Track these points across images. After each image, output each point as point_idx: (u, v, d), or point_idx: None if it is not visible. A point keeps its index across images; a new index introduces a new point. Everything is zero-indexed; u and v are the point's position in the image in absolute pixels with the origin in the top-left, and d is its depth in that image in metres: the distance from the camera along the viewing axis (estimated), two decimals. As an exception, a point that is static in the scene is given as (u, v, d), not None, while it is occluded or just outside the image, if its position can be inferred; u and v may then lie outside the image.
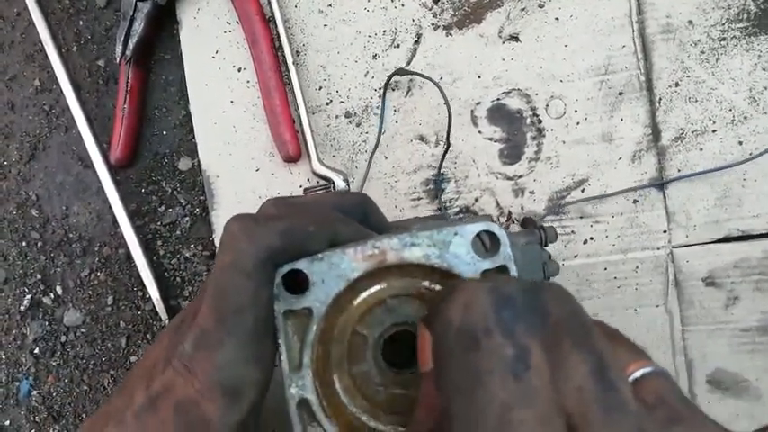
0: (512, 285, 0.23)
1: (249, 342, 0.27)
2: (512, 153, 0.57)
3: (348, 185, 0.57)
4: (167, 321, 0.63)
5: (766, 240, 0.55)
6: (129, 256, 0.63)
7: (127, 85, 0.61)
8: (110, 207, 0.62)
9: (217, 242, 0.61)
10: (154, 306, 0.63)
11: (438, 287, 0.27)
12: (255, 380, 0.28)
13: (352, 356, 0.28)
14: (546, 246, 0.46)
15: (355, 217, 0.32)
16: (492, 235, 0.27)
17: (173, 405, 0.28)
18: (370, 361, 0.28)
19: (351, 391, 0.27)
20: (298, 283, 0.27)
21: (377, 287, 0.27)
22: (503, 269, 0.27)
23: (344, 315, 0.28)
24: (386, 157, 0.59)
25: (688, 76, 0.55)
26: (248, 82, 0.60)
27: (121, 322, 0.65)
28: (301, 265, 0.27)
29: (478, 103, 0.57)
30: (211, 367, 0.28)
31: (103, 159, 0.62)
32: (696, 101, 0.55)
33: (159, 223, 0.64)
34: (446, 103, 0.52)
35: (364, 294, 0.27)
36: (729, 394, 0.56)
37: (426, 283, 0.27)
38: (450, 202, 0.58)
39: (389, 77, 0.56)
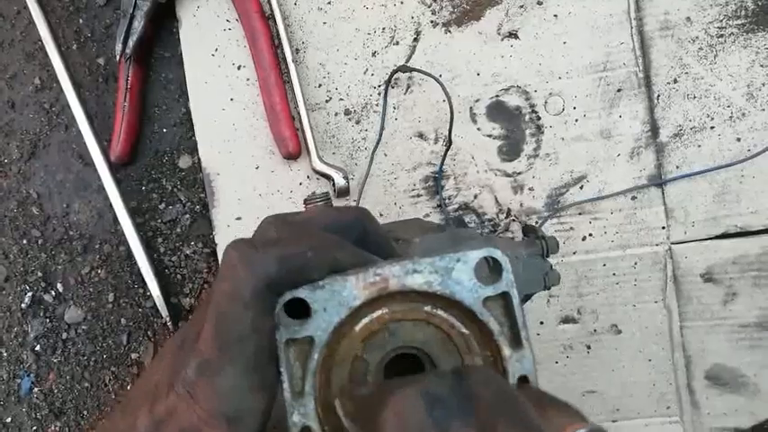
0: (439, 384, 0.23)
1: (251, 370, 0.28)
2: (511, 150, 0.58)
3: (348, 182, 0.57)
4: (168, 319, 0.63)
5: (764, 236, 0.55)
6: (129, 254, 0.63)
7: (127, 83, 0.61)
8: (110, 205, 0.63)
9: (217, 239, 0.62)
10: (154, 303, 0.63)
11: (440, 312, 0.27)
12: (257, 408, 0.28)
13: (354, 381, 0.28)
14: (548, 256, 0.46)
15: (354, 234, 0.31)
16: (495, 260, 0.27)
17: (177, 430, 0.28)
18: (371, 385, 0.28)
19: (353, 416, 0.28)
20: (300, 309, 0.27)
21: (378, 312, 0.27)
22: (505, 296, 0.27)
23: (346, 341, 0.28)
24: (385, 155, 0.59)
25: (686, 73, 0.55)
26: (248, 79, 0.60)
27: (122, 319, 0.65)
28: (302, 293, 0.27)
29: (477, 101, 0.58)
30: (213, 395, 0.28)
31: (104, 157, 0.62)
32: (694, 97, 0.55)
33: (160, 221, 0.64)
34: (448, 100, 0.52)
35: (366, 320, 0.28)
36: (728, 390, 0.57)
37: (428, 308, 0.27)
38: (449, 198, 0.58)
39: (392, 74, 0.56)
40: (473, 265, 0.27)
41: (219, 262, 0.61)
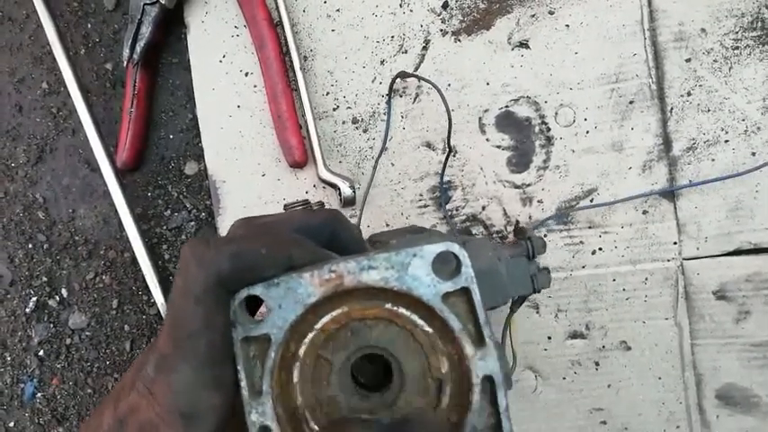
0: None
1: (205, 367, 0.27)
2: (520, 161, 0.57)
3: (354, 192, 0.56)
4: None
5: (779, 254, 0.54)
6: (134, 260, 0.63)
7: (134, 89, 0.61)
8: (116, 210, 0.62)
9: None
10: (158, 310, 0.63)
11: (402, 309, 0.27)
12: (214, 404, 0.28)
13: (316, 381, 0.27)
14: (533, 257, 0.45)
15: (322, 236, 0.31)
16: (454, 255, 0.26)
17: (137, 427, 0.28)
18: (335, 385, 0.27)
19: (316, 415, 0.27)
20: (257, 308, 0.27)
21: (338, 311, 0.27)
22: (466, 291, 0.26)
23: (307, 339, 0.27)
24: (392, 164, 0.58)
25: (700, 86, 0.54)
26: (255, 86, 0.60)
27: (126, 326, 0.64)
28: (257, 290, 0.26)
29: (486, 111, 0.57)
30: (169, 391, 0.27)
31: (110, 162, 0.62)
32: (708, 110, 0.54)
33: (165, 227, 0.64)
34: (446, 107, 0.51)
35: (326, 318, 0.27)
36: (739, 410, 0.55)
37: (389, 306, 0.27)
38: (456, 209, 0.58)
39: (393, 80, 0.56)
40: (430, 259, 0.26)
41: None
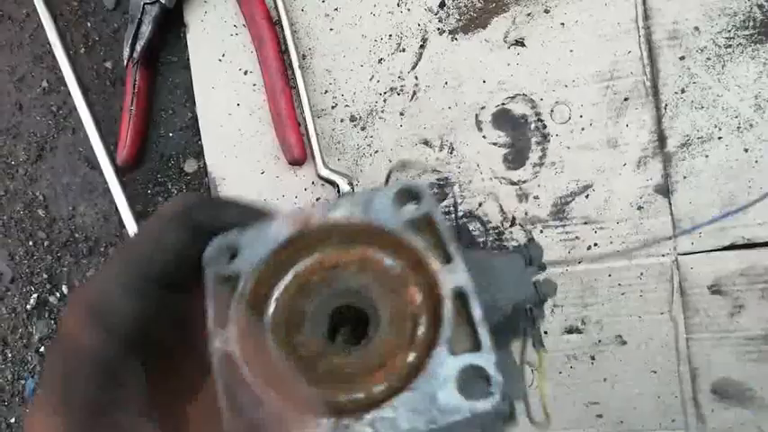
0: None
1: (133, 276, 0.27)
2: (516, 158, 0.57)
3: (352, 188, 0.57)
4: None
5: (772, 248, 0.54)
6: (134, 257, 0.63)
7: (134, 87, 0.61)
8: (116, 208, 0.63)
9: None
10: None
11: (371, 250, 0.27)
12: (127, 311, 0.27)
13: (290, 327, 0.27)
14: (530, 264, 0.44)
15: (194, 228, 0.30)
16: (414, 191, 0.26)
17: (58, 341, 0.27)
18: (308, 333, 0.27)
19: (286, 357, 0.27)
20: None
21: (311, 257, 0.27)
22: (428, 218, 0.26)
23: (280, 284, 0.27)
24: (390, 161, 0.59)
25: (694, 83, 0.54)
26: (254, 85, 0.60)
27: (126, 322, 0.65)
28: (231, 235, 0.27)
29: (483, 108, 0.57)
30: (88, 287, 0.27)
31: (110, 160, 0.63)
32: (702, 107, 0.54)
33: (164, 224, 0.64)
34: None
35: (300, 266, 0.27)
36: (734, 403, 0.56)
37: (359, 248, 0.27)
38: (455, 205, 0.58)
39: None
40: (392, 195, 0.26)
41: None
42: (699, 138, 0.55)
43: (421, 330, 0.26)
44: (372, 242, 0.27)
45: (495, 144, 0.57)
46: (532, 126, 0.57)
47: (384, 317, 0.27)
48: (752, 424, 0.56)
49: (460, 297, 0.25)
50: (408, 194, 0.27)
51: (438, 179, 0.58)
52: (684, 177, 0.55)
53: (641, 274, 0.56)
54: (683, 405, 0.57)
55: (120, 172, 0.63)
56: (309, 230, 0.27)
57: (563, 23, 0.56)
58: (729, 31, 0.54)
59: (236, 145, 0.61)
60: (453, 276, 0.25)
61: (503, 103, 0.57)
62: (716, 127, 0.54)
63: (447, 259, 0.26)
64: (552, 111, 0.57)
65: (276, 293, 0.27)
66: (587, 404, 0.58)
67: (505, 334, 0.40)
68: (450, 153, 0.58)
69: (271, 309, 0.27)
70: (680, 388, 0.57)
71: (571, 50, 0.56)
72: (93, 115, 0.62)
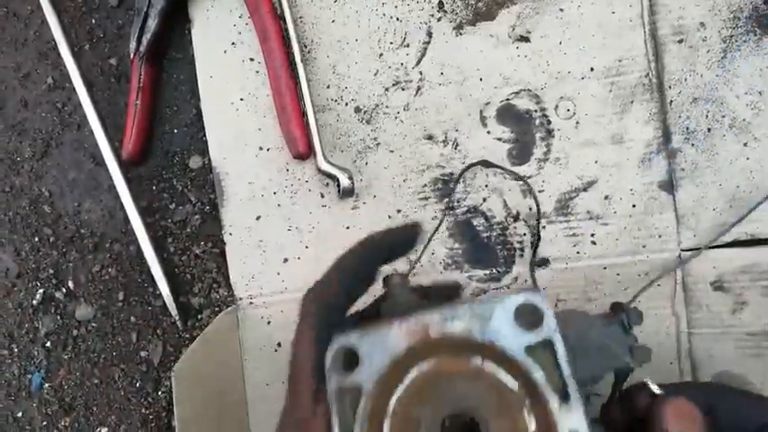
0: None
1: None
2: (520, 153, 0.57)
3: (353, 183, 0.57)
4: (177, 318, 0.64)
5: (775, 245, 0.54)
6: (139, 253, 0.64)
7: (139, 82, 0.61)
8: (121, 204, 0.63)
9: (227, 238, 0.62)
10: (164, 302, 0.64)
11: (487, 363, 0.27)
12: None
13: None
14: (630, 329, 0.43)
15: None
16: (535, 307, 0.26)
17: None
18: None
19: None
20: (350, 360, 0.28)
21: (426, 365, 0.27)
22: (548, 343, 0.26)
23: (396, 393, 0.28)
24: (392, 152, 0.59)
25: (699, 79, 0.54)
26: (259, 78, 0.60)
27: (132, 317, 0.65)
28: (352, 339, 0.27)
29: (487, 103, 0.57)
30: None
31: (115, 156, 0.63)
32: (707, 103, 0.54)
33: (170, 221, 0.64)
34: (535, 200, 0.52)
35: (414, 372, 0.27)
36: (736, 397, 0.56)
37: (475, 360, 0.27)
38: (458, 201, 0.58)
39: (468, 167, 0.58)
40: (512, 309, 0.26)
41: (228, 261, 0.62)
42: (703, 134, 0.55)
43: None
44: (490, 357, 0.27)
45: (499, 140, 0.58)
46: (537, 122, 0.57)
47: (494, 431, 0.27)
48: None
49: None
50: (528, 309, 0.27)
51: (442, 174, 0.58)
52: (689, 174, 0.55)
53: (644, 269, 0.56)
54: (686, 399, 0.57)
55: (125, 168, 0.63)
56: (426, 343, 0.27)
57: (569, 19, 0.56)
58: (734, 27, 0.54)
59: (240, 139, 0.61)
60: (570, 418, 0.26)
61: (507, 99, 0.57)
62: (720, 123, 0.54)
63: (564, 392, 0.26)
64: (557, 106, 0.57)
65: (392, 404, 0.28)
66: (589, 396, 0.59)
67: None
68: (455, 148, 0.58)
69: (388, 422, 0.28)
70: (681, 380, 0.57)
71: (576, 45, 0.56)
72: (97, 111, 0.63)
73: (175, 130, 0.64)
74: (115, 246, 0.65)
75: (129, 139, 0.62)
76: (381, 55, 0.59)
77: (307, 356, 0.30)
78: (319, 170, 0.58)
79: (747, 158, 0.54)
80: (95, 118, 0.62)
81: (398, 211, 0.59)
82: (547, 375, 0.26)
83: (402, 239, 0.36)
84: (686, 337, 0.56)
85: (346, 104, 0.60)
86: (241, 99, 0.60)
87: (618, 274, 0.57)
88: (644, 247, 0.56)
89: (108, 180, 0.64)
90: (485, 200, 0.58)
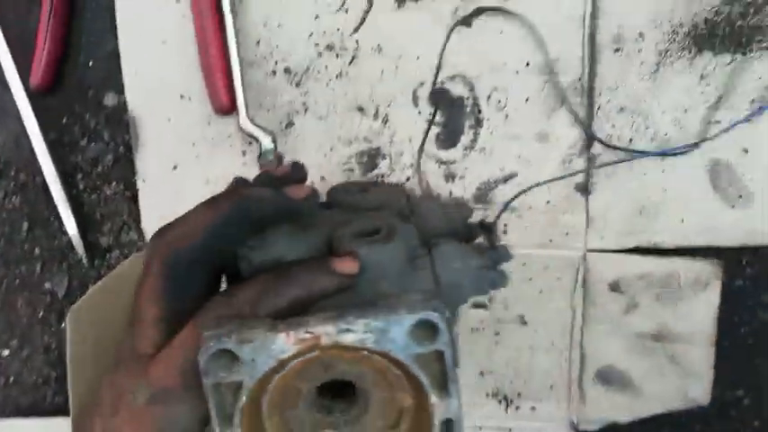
0: None
1: (203, 410, 0.28)
2: (448, 138, 0.57)
3: (276, 145, 0.55)
4: (84, 256, 0.62)
5: (672, 258, 0.57)
6: (45, 186, 0.61)
7: (51, 5, 0.56)
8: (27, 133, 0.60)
9: (140, 184, 0.60)
10: (70, 239, 0.62)
11: (375, 357, 0.27)
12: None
13: (285, 405, 0.28)
14: (495, 266, 0.44)
15: (238, 229, 0.32)
16: (432, 324, 0.26)
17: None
18: (303, 408, 0.29)
19: None
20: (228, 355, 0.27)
21: (311, 354, 0.27)
22: (439, 354, 0.27)
23: (278, 375, 0.28)
24: (320, 119, 0.57)
25: (629, 89, 0.54)
26: (185, 23, 0.56)
27: (36, 249, 0.64)
28: (229, 344, 0.26)
29: (422, 84, 0.56)
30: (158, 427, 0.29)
31: (22, 83, 0.59)
32: (633, 114, 0.55)
33: (81, 157, 0.61)
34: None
35: (299, 359, 0.27)
36: (613, 389, 0.61)
37: (365, 353, 0.27)
38: (382, 176, 0.58)
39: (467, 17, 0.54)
40: (408, 327, 0.26)
41: (140, 207, 0.60)
42: (625, 143, 0.56)
43: (404, 426, 0.29)
44: (379, 354, 0.27)
45: (428, 121, 0.57)
46: (468, 109, 0.56)
47: (374, 398, 0.28)
48: (624, 407, 0.61)
49: (448, 423, 0.27)
50: (425, 324, 0.26)
51: (369, 148, 0.58)
52: (605, 179, 0.56)
53: (550, 263, 0.58)
54: (569, 383, 0.61)
55: (32, 96, 0.59)
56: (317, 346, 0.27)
57: (513, 8, 0.54)
58: (671, 41, 0.53)
59: (159, 85, 0.57)
60: (447, 410, 0.27)
61: (442, 82, 0.56)
62: (642, 135, 0.55)
63: (446, 391, 0.27)
64: (489, 96, 0.56)
65: (273, 384, 0.28)
66: (482, 372, 0.62)
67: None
68: (385, 124, 0.57)
69: (267, 398, 0.28)
70: (569, 368, 0.61)
71: (516, 38, 0.55)
72: (4, 32, 0.57)
73: (91, 62, 0.59)
74: (20, 175, 0.62)
75: (38, 68, 0.57)
76: (318, 17, 0.56)
77: (147, 314, 0.29)
78: (241, 129, 0.56)
79: (663, 171, 0.56)
80: (2, 39, 0.57)
81: (322, 178, 0.58)
82: (431, 375, 0.27)
83: (293, 207, 0.33)
84: (579, 330, 0.60)
85: (276, 63, 0.57)
86: (163, 42, 0.57)
87: (524, 264, 0.59)
88: (551, 241, 0.58)
89: (14, 106, 0.59)
90: (408, 179, 0.58)
